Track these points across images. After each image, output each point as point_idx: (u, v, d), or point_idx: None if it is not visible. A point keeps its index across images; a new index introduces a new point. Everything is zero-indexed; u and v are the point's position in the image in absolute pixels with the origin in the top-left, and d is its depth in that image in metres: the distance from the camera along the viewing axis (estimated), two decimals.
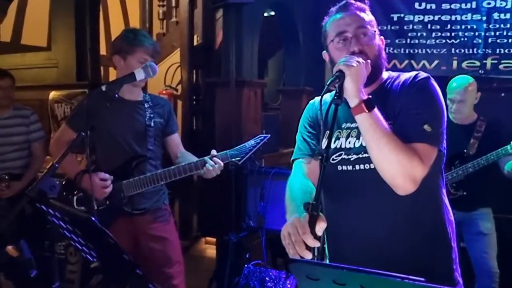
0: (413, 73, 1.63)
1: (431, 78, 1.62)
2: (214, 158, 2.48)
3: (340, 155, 1.63)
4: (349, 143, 1.63)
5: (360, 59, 1.51)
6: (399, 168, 1.43)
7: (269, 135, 2.64)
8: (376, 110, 1.47)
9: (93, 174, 2.50)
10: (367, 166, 1.57)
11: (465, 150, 3.22)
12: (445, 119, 1.59)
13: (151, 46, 2.60)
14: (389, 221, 1.58)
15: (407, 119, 1.53)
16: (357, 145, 1.61)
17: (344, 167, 1.62)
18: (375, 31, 1.65)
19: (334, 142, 1.64)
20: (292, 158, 1.80)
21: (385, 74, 1.71)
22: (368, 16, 1.67)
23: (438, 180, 1.66)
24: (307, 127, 1.79)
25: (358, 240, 1.62)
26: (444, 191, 1.69)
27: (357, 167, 1.60)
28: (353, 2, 1.69)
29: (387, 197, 1.51)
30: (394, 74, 1.71)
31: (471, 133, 3.24)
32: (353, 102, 1.47)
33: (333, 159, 1.63)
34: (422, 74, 1.62)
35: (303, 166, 1.73)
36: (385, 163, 1.46)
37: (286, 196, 1.62)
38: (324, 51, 1.72)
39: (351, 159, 1.60)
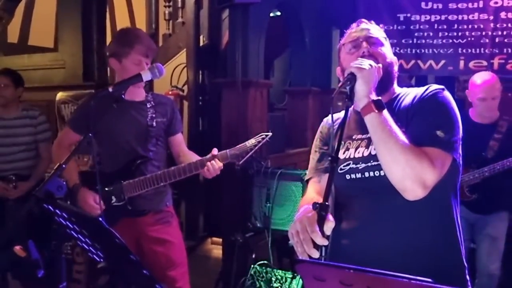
0: (426, 86, 1.63)
1: (445, 89, 1.60)
2: (213, 161, 2.46)
3: (348, 164, 1.62)
4: (358, 153, 1.62)
5: (373, 63, 1.52)
6: (407, 170, 1.40)
7: (271, 133, 2.59)
8: (385, 111, 1.47)
9: (89, 192, 2.52)
10: (376, 173, 1.55)
11: (483, 153, 3.11)
12: (460, 129, 1.55)
13: (144, 47, 2.56)
14: (396, 228, 1.55)
15: (420, 123, 1.52)
16: (365, 154, 1.60)
17: (353, 176, 1.61)
18: (386, 45, 1.68)
19: (344, 153, 1.65)
20: (305, 179, 1.83)
21: (398, 89, 1.72)
22: (381, 33, 1.70)
23: (450, 193, 1.61)
24: (319, 145, 1.81)
25: (363, 246, 1.59)
26: (457, 209, 1.64)
27: (366, 174, 1.58)
28: (367, 21, 1.72)
29: (394, 204, 1.49)
30: (407, 89, 1.71)
31: (491, 134, 3.11)
32: (362, 102, 1.47)
33: (341, 169, 1.62)
34: (436, 86, 1.60)
35: (314, 185, 1.74)
36: (393, 164, 1.43)
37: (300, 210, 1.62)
38: (338, 67, 1.76)
39: (359, 167, 1.59)
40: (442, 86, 1.60)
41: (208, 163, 2.46)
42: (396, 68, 1.70)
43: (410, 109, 1.58)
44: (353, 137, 1.67)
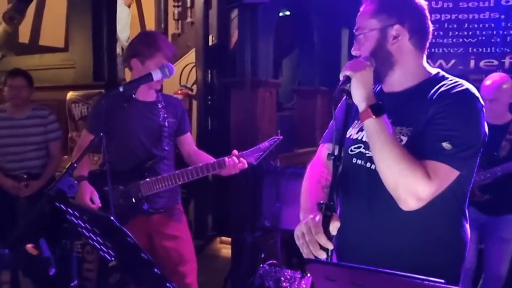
0: (456, 82, 1.50)
1: (476, 92, 1.47)
2: (240, 158, 2.52)
3: (359, 147, 1.59)
4: None
5: (367, 63, 1.47)
6: (400, 179, 1.37)
7: (281, 136, 2.70)
8: (384, 116, 1.41)
9: (88, 188, 2.55)
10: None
11: (495, 153, 3.09)
12: (479, 141, 1.44)
13: (170, 51, 2.63)
14: (392, 227, 1.51)
15: (429, 131, 1.43)
16: None
17: (359, 161, 1.58)
18: (374, 28, 1.54)
19: (357, 133, 1.62)
20: (320, 142, 1.84)
21: (434, 71, 1.59)
22: (376, 5, 1.57)
23: (457, 203, 1.55)
24: (336, 117, 1.73)
25: (359, 236, 1.58)
26: (466, 212, 1.59)
27: (368, 164, 1.55)
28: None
29: (393, 202, 1.43)
30: (442, 74, 1.58)
31: (504, 135, 3.11)
32: (361, 107, 1.43)
33: (351, 150, 1.60)
34: (465, 85, 1.48)
35: (325, 152, 1.75)
36: (387, 172, 1.39)
37: (304, 186, 1.62)
38: None
39: (367, 154, 1.55)
40: (472, 89, 1.48)
41: (234, 158, 2.50)
42: (389, 46, 1.55)
43: (430, 103, 1.47)
44: None
